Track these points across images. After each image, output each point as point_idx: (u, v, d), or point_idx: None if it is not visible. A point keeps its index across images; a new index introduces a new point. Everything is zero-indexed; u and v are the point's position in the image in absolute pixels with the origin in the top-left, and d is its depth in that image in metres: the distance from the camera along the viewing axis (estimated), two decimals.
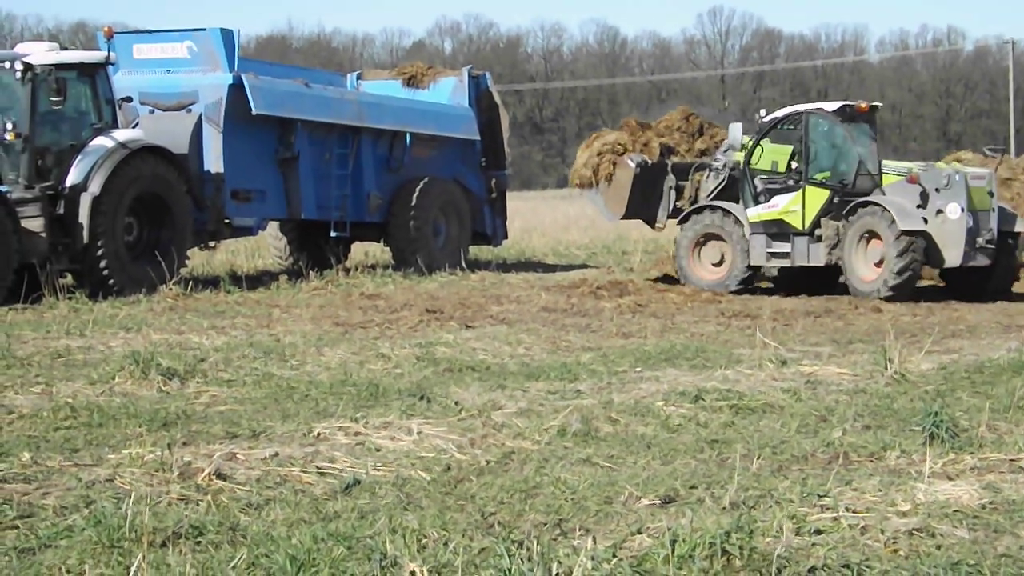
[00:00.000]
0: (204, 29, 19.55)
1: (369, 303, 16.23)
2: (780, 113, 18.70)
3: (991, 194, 17.38)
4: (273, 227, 22.14)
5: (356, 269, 20.65)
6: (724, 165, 18.94)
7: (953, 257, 16.95)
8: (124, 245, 17.08)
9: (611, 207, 19.88)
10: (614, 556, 5.03)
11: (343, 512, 5.90)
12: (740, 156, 18.69)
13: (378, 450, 7.24)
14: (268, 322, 13.79)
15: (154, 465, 6.54)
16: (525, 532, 5.48)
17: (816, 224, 17.72)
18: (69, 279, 17.02)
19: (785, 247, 17.90)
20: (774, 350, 10.71)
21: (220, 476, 6.42)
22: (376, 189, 21.70)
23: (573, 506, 6.03)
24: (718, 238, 18.51)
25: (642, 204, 19.68)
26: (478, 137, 22.97)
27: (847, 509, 5.73)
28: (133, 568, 4.86)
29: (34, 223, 16.04)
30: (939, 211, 16.88)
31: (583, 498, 6.15)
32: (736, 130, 18.71)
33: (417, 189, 21.66)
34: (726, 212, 18.37)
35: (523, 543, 5.26)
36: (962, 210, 16.82)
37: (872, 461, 7.01)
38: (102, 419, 8.05)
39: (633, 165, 19.44)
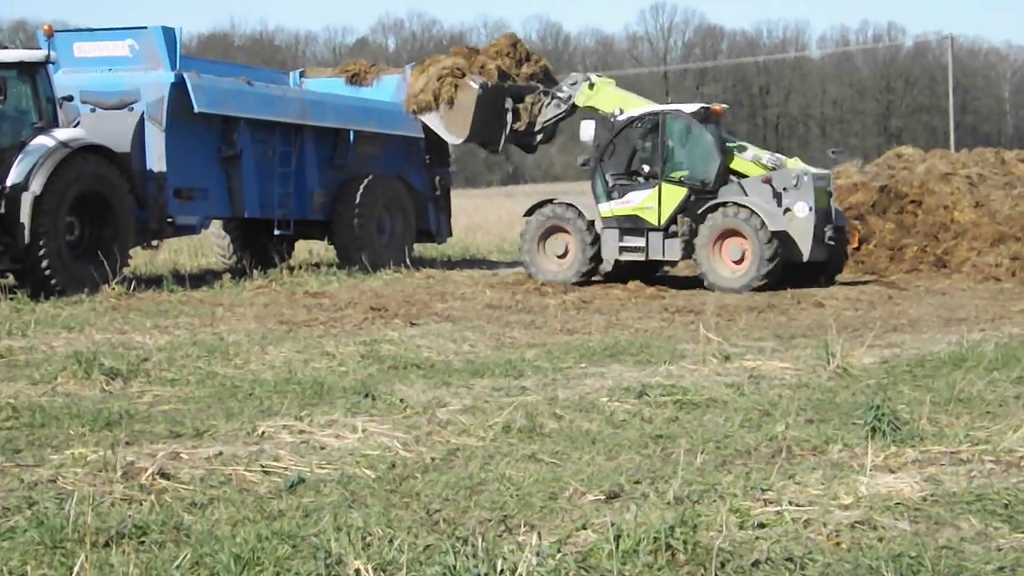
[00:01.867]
0: (146, 27, 19.40)
1: (313, 301, 16.18)
2: (635, 112, 19.09)
3: (829, 193, 18.57)
4: (216, 226, 22.01)
5: (300, 267, 20.60)
6: (569, 98, 19.77)
7: (804, 253, 17.93)
8: (66, 244, 16.90)
9: (454, 129, 20.26)
10: (559, 552, 5.06)
11: (288, 511, 5.89)
12: (586, 95, 19.53)
13: (323, 448, 7.22)
14: (212, 321, 13.71)
15: (97, 465, 6.49)
16: (470, 529, 5.51)
17: (672, 220, 18.34)
18: (10, 279, 16.83)
19: (639, 242, 18.54)
20: (717, 345, 10.80)
21: (164, 476, 6.39)
22: (320, 187, 21.64)
23: (518, 502, 6.06)
24: (563, 231, 19.07)
25: (483, 126, 20.15)
26: (422, 135, 22.95)
27: (790, 503, 5.79)
28: (76, 569, 4.82)
29: None
30: (787, 210, 17.90)
31: (528, 494, 6.18)
32: (588, 127, 19.18)
33: (361, 187, 21.64)
34: (570, 206, 19.05)
35: (468, 540, 5.28)
36: (810, 209, 17.84)
37: (815, 455, 7.10)
38: (44, 419, 7.98)
39: (476, 86, 19.85)
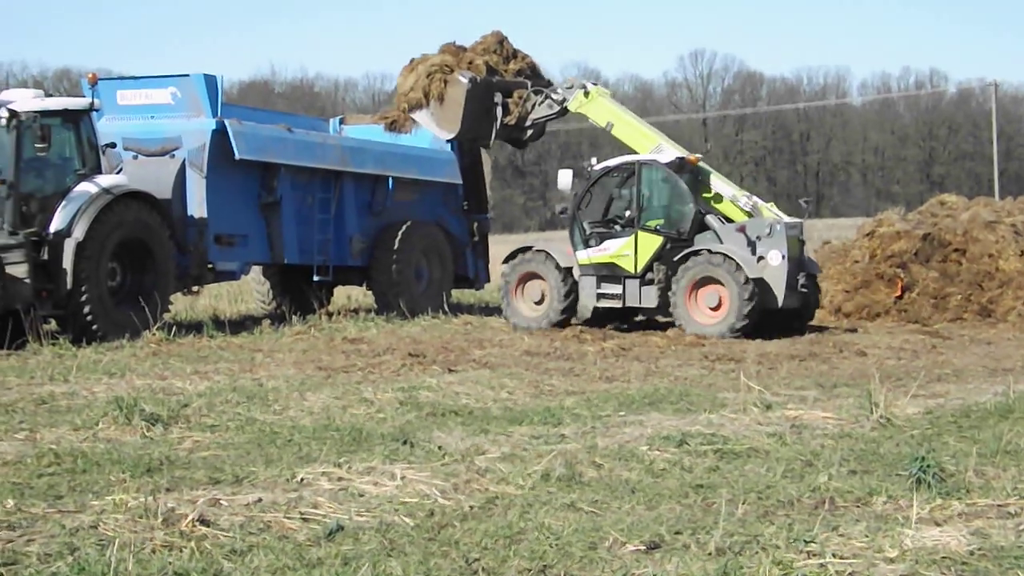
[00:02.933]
0: (187, 75, 19.60)
1: (352, 347, 16.20)
2: (612, 162, 19.42)
3: (801, 242, 18.92)
4: (256, 271, 22.12)
5: (339, 313, 20.64)
6: (563, 100, 20.69)
7: (779, 299, 18.25)
8: (108, 290, 17.04)
9: (445, 125, 20.86)
10: None
11: (326, 558, 5.88)
12: (579, 101, 20.35)
13: (361, 495, 7.21)
14: (251, 367, 13.75)
15: (138, 511, 6.50)
16: None
17: (648, 268, 18.68)
18: (53, 325, 16.95)
19: (616, 289, 18.90)
20: (759, 394, 10.72)
21: (204, 522, 6.39)
22: (358, 233, 21.73)
23: (558, 552, 6.01)
24: (539, 277, 19.50)
25: (474, 121, 20.71)
26: (460, 181, 23.06)
27: (834, 555, 5.72)
28: None
29: (18, 269, 16.00)
30: (761, 257, 18.24)
31: (567, 544, 6.14)
32: (565, 176, 19.44)
33: (399, 233, 21.71)
34: (547, 254, 19.44)
35: None
36: (783, 257, 18.22)
37: (859, 506, 7.01)
38: (86, 465, 8.01)
39: (465, 81, 20.45)
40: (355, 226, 21.71)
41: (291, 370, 13.37)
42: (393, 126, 23.51)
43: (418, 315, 20.65)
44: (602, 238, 18.96)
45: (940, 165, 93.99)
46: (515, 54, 22.19)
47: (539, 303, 19.46)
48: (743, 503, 6.93)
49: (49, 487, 7.42)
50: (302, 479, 7.50)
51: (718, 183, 19.45)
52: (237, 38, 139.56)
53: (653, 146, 20.16)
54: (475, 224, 23.80)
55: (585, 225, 19.06)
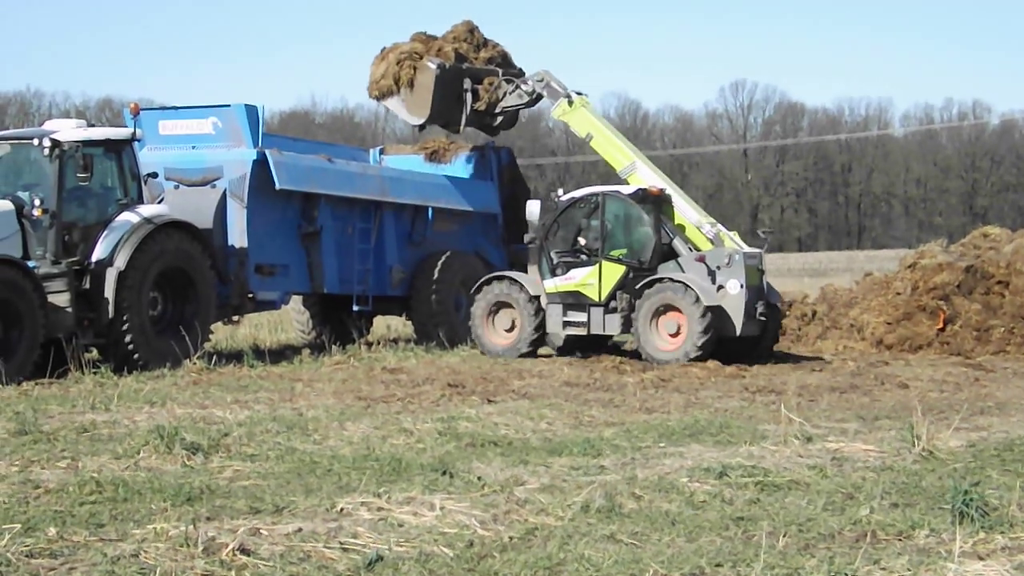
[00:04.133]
0: (229, 105, 19.77)
1: (391, 377, 16.24)
2: (577, 193, 20.01)
3: (761, 271, 19.32)
4: (296, 301, 22.21)
5: (378, 343, 20.70)
6: (532, 91, 21.49)
7: (737, 327, 18.61)
8: (149, 319, 17.16)
9: (414, 111, 21.42)
10: None
11: None
12: (563, 109, 20.98)
13: (401, 525, 7.21)
14: (291, 396, 13.81)
15: (179, 540, 6.53)
16: None
17: (612, 296, 19.08)
18: (94, 353, 17.08)
19: (581, 317, 19.33)
20: (799, 426, 10.65)
21: (244, 551, 6.41)
22: (398, 263, 21.80)
23: None
24: (509, 306, 19.86)
25: (443, 107, 21.29)
26: (499, 211, 23.11)
27: None
28: None
29: (60, 298, 16.14)
30: (720, 287, 18.64)
31: (608, 575, 6.11)
32: (534, 207, 19.88)
33: (439, 263, 21.76)
34: (514, 281, 19.86)
35: None
36: (741, 286, 18.60)
37: (901, 540, 6.94)
38: (127, 494, 8.06)
39: (434, 67, 21.07)
40: (395, 256, 21.79)
41: (331, 400, 13.41)
42: (433, 156, 23.66)
43: (457, 345, 20.68)
44: (568, 267, 19.45)
45: (983, 197, 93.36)
46: (485, 43, 22.73)
47: (510, 331, 19.87)
48: (784, 536, 6.89)
49: (91, 515, 7.46)
50: (342, 509, 7.52)
51: (685, 210, 19.93)
52: (278, 68, 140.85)
53: (628, 163, 20.79)
54: (514, 254, 23.83)
55: (552, 254, 19.57)
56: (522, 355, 19.39)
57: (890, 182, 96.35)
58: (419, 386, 15.11)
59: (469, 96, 21.63)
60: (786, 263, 69.63)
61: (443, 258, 21.87)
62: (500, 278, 20.16)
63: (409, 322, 22.53)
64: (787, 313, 21.14)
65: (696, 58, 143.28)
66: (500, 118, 22.14)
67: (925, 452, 9.66)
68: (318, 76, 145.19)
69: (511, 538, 7.00)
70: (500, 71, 22.03)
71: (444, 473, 8.70)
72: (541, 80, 21.50)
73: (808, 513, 7.66)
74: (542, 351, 20.00)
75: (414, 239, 22.19)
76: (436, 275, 21.69)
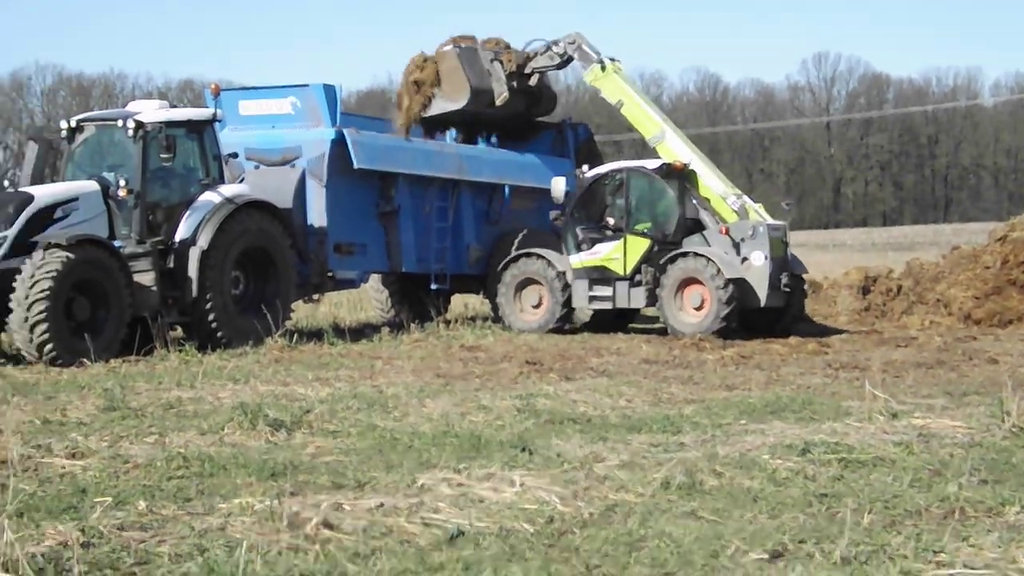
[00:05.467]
0: (307, 85, 19.91)
1: (469, 355, 16.29)
2: (602, 169, 20.28)
3: (785, 243, 19.56)
4: (375, 280, 22.36)
5: (456, 321, 20.77)
6: (564, 54, 21.66)
7: (761, 299, 18.89)
8: (231, 298, 17.37)
9: (455, 95, 21.68)
10: None
11: (448, 563, 5.91)
12: (595, 74, 21.15)
13: (481, 501, 7.23)
14: (371, 374, 13.91)
15: (263, 514, 6.62)
16: None
17: (636, 270, 19.32)
18: (179, 331, 17.35)
19: (607, 291, 19.63)
20: (884, 402, 10.50)
21: (327, 526, 6.47)
22: (475, 241, 21.85)
23: (679, 560, 5.96)
24: (536, 282, 20.19)
25: (478, 81, 21.64)
26: (576, 189, 23.02)
27: (964, 566, 5.59)
28: None
29: (145, 277, 16.40)
30: (745, 259, 18.92)
31: (689, 552, 6.08)
32: (559, 184, 19.99)
33: (516, 241, 21.75)
34: (541, 257, 20.14)
35: None
36: (765, 258, 18.87)
37: (990, 517, 6.82)
38: (213, 469, 8.17)
39: (450, 47, 21.62)
40: (472, 234, 21.84)
41: (410, 377, 13.48)
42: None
43: None
44: (593, 242, 19.72)
45: None
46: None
47: (537, 307, 20.16)
48: (869, 512, 6.80)
49: (178, 490, 7.58)
50: (422, 485, 7.56)
51: (711, 182, 19.99)
52: (356, 48, 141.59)
53: (658, 131, 20.91)
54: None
55: (577, 230, 19.81)
56: (549, 331, 19.66)
57: (979, 153, 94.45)
58: (497, 364, 15.14)
59: (496, 64, 21.94)
60: (870, 237, 68.73)
61: (520, 236, 21.86)
62: (527, 255, 20.43)
63: (486, 300, 22.58)
64: (808, 290, 21.15)
65: (777, 30, 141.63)
66: (532, 77, 22.18)
67: (1015, 428, 9.45)
68: (394, 55, 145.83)
69: (591, 514, 6.99)
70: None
71: (523, 450, 8.71)
72: (573, 42, 21.63)
73: (894, 490, 7.56)
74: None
75: (491, 217, 22.22)
76: (513, 253, 21.68)
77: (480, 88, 21.73)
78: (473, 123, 22.63)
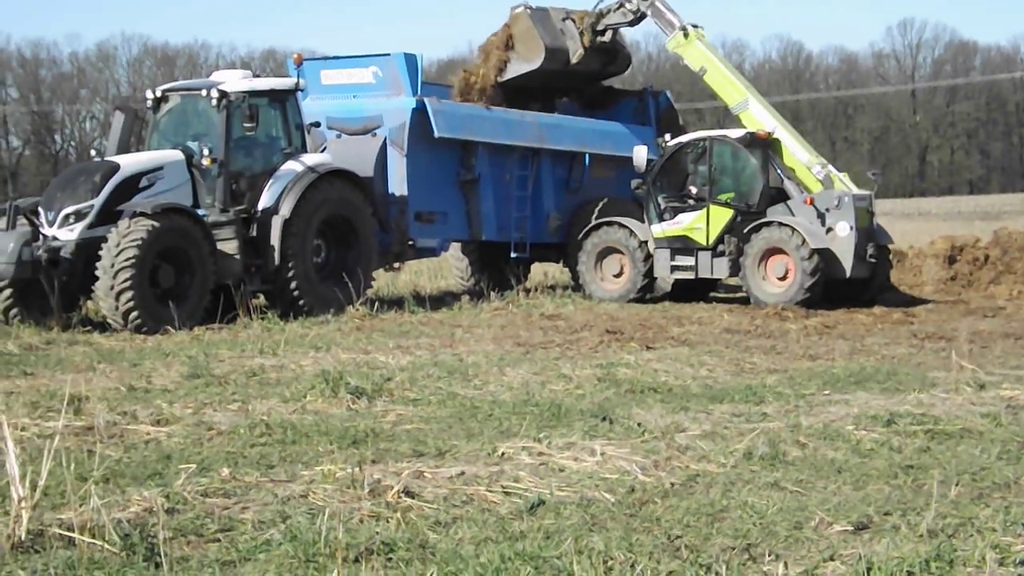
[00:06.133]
0: (388, 54, 19.93)
1: (549, 324, 16.27)
2: (685, 138, 20.12)
3: (871, 213, 19.28)
4: (455, 248, 22.39)
5: (536, 290, 20.76)
6: (637, 10, 21.38)
7: (846, 269, 18.66)
8: (313, 266, 17.50)
9: (531, 55, 21.60)
10: None
11: (529, 532, 5.91)
12: (677, 41, 20.98)
13: (562, 471, 7.23)
14: (451, 342, 13.95)
15: (345, 482, 6.67)
16: (713, 556, 5.41)
17: (720, 240, 19.19)
18: (261, 299, 17.52)
19: (689, 261, 19.52)
20: (972, 373, 10.33)
21: (408, 494, 6.51)
22: (555, 210, 21.79)
23: (762, 531, 5.91)
24: (617, 251, 20.13)
25: (553, 41, 21.56)
26: (656, 157, 22.84)
27: None
28: None
29: (229, 245, 16.57)
30: (830, 229, 18.70)
31: (772, 523, 6.03)
32: (640, 152, 19.81)
33: (596, 210, 21.65)
34: (623, 226, 20.08)
35: (711, 567, 5.19)
36: (851, 228, 18.64)
37: None
38: (295, 436, 8.25)
39: (521, 8, 21.66)
40: (552, 203, 21.77)
41: (490, 346, 13.50)
42: (591, 102, 23.51)
43: None
44: (675, 212, 19.59)
45: None
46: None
47: (618, 276, 20.12)
48: (956, 485, 6.69)
49: (261, 457, 7.67)
50: (503, 453, 7.57)
51: (796, 151, 19.77)
52: (436, 17, 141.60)
53: (741, 99, 20.61)
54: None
55: (659, 199, 19.68)
56: (631, 300, 19.65)
57: None
58: (577, 332, 15.10)
59: (569, 23, 21.93)
60: (957, 206, 67.48)
61: (600, 205, 21.76)
62: (609, 223, 20.37)
63: (566, 269, 22.52)
64: (893, 260, 20.96)
65: None
66: (605, 34, 22.00)
67: None
68: (475, 24, 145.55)
69: (672, 484, 6.95)
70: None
71: (604, 419, 8.69)
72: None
73: (981, 462, 7.43)
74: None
75: (571, 186, 22.13)
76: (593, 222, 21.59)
77: (554, 47, 21.69)
78: (551, 88, 22.53)
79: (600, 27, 21.93)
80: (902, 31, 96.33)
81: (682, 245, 19.49)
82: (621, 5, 21.71)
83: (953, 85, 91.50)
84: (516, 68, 21.76)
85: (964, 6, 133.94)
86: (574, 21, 22.01)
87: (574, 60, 21.92)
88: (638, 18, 21.73)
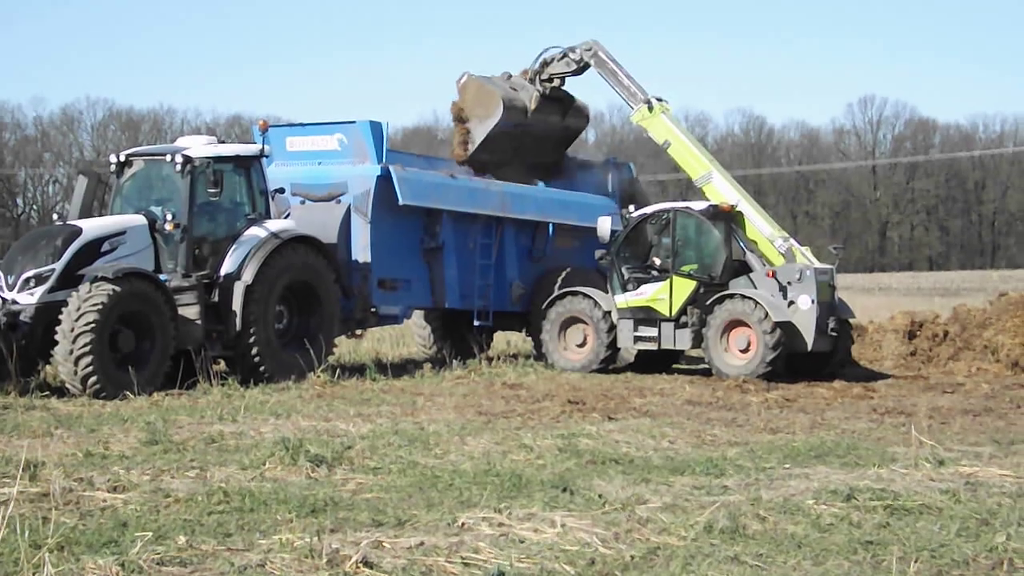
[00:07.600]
0: (354, 122, 20.02)
1: (511, 393, 16.25)
2: (648, 210, 20.22)
3: (832, 287, 19.35)
4: (418, 315, 22.39)
5: (498, 358, 20.75)
6: (580, 60, 21.76)
7: (808, 343, 18.70)
8: (275, 332, 17.43)
9: (489, 111, 21.94)
10: None
11: None
12: (642, 114, 21.20)
13: (522, 542, 7.19)
14: (413, 410, 13.90)
15: (304, 551, 6.60)
16: None
17: (682, 311, 19.29)
18: (222, 365, 17.40)
19: (652, 332, 19.56)
20: (931, 449, 10.37)
21: (367, 564, 6.45)
22: (519, 279, 21.85)
23: None
24: (581, 321, 20.14)
25: (506, 95, 22.01)
26: (620, 228, 22.99)
27: None
28: None
29: (190, 311, 16.48)
30: (791, 302, 18.77)
31: None
32: (604, 224, 20.07)
33: (559, 279, 21.74)
34: (587, 296, 20.10)
35: None
36: (812, 302, 18.72)
37: None
38: (254, 504, 8.17)
39: (466, 76, 22.26)
40: (515, 272, 21.84)
41: (452, 414, 13.46)
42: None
43: None
44: (639, 283, 19.69)
45: None
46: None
47: (581, 346, 20.12)
48: (915, 561, 6.70)
49: (219, 525, 7.58)
50: (463, 524, 7.52)
51: (759, 224, 19.95)
52: (402, 86, 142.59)
53: (704, 172, 20.83)
54: None
55: (623, 270, 19.78)
56: (594, 370, 19.65)
57: None
58: (539, 402, 15.09)
59: (515, 78, 22.40)
60: (916, 282, 68.13)
61: (563, 274, 21.85)
62: (573, 293, 20.40)
63: (529, 338, 22.54)
64: (855, 337, 21.10)
65: (823, 74, 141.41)
66: (553, 82, 22.34)
67: None
68: (440, 94, 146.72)
69: (633, 557, 6.92)
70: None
71: (565, 490, 8.66)
72: (589, 49, 21.74)
73: (941, 539, 7.44)
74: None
75: (535, 255, 22.23)
76: (556, 291, 21.66)
77: (510, 97, 21.97)
78: (523, 154, 22.66)
79: (545, 76, 22.29)
80: (863, 108, 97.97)
81: (645, 316, 19.55)
82: (565, 55, 22.05)
83: (913, 162, 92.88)
84: (480, 131, 21.95)
85: (924, 85, 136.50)
86: (517, 76, 22.50)
87: (532, 106, 22.20)
88: (581, 68, 21.99)
